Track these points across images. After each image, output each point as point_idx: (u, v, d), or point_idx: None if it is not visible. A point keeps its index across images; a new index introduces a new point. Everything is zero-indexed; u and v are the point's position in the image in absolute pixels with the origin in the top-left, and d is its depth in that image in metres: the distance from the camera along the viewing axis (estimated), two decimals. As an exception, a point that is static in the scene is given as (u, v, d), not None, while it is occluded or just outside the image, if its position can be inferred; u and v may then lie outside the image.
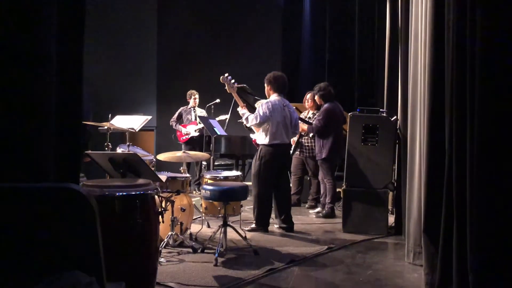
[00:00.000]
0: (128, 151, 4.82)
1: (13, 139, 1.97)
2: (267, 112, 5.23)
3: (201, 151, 7.63)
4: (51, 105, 2.16)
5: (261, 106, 5.28)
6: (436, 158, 3.30)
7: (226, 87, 5.32)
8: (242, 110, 5.41)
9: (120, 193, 2.66)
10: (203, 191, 4.43)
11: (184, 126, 8.11)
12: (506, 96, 2.28)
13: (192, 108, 8.18)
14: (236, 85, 5.36)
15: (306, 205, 6.90)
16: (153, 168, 5.08)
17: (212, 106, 8.01)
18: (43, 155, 2.09)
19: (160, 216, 2.90)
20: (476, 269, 2.47)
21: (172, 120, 8.26)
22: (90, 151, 3.80)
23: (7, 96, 1.95)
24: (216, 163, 8.59)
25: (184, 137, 8.06)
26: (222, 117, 7.84)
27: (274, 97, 5.41)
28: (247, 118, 5.30)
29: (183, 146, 8.05)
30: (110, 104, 8.65)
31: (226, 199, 4.36)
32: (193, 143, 8.04)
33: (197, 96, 8.16)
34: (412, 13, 4.29)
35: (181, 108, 8.28)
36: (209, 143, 6.90)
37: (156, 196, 4.44)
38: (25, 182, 1.98)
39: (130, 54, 9.70)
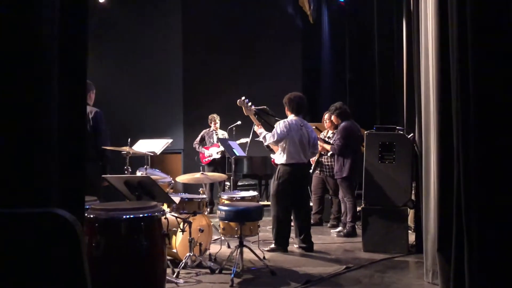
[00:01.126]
0: (146, 173, 4.84)
1: (13, 162, 1.98)
2: (284, 130, 5.20)
3: (224, 172, 7.63)
4: (53, 127, 2.17)
5: (278, 125, 5.27)
6: (447, 175, 3.19)
7: (244, 110, 5.32)
8: (259, 130, 5.40)
9: (126, 216, 2.66)
10: (219, 211, 4.41)
11: (207, 148, 8.15)
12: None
13: (214, 131, 8.22)
14: (253, 107, 5.36)
15: (328, 224, 6.76)
16: (171, 190, 5.11)
17: (234, 128, 8.04)
18: (44, 179, 2.10)
19: (166, 238, 2.88)
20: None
21: (195, 142, 8.32)
22: (107, 175, 3.84)
23: (5, 119, 1.97)
24: (239, 183, 8.58)
25: (206, 159, 8.10)
26: (243, 140, 7.83)
27: (291, 117, 5.40)
28: (264, 137, 5.29)
29: (206, 167, 8.07)
30: (138, 129, 8.80)
31: (241, 219, 4.33)
32: (215, 164, 8.05)
33: (217, 120, 8.21)
34: (422, 30, 4.21)
35: (204, 131, 8.33)
36: (232, 165, 6.87)
37: (172, 217, 4.45)
38: (26, 207, 2.00)
39: (157, 83, 9.86)
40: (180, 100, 10.13)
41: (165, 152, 10.08)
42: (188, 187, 8.52)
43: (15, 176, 2.03)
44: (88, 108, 4.74)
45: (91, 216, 2.69)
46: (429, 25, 3.89)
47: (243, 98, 5.29)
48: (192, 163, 8.90)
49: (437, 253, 3.40)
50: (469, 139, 2.58)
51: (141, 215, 2.72)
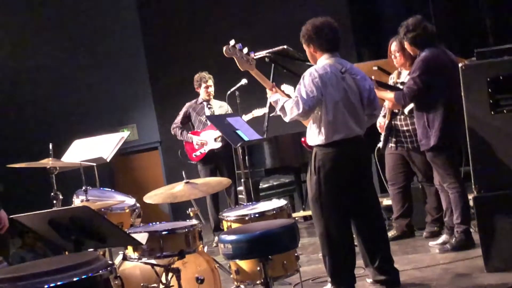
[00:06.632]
0: (86, 199, 4.92)
1: None
2: (314, 91, 5.13)
3: (232, 171, 7.67)
4: None
5: (302, 82, 5.20)
6: None
7: (237, 63, 5.30)
8: (272, 96, 5.35)
9: (48, 285, 2.69)
10: (222, 245, 4.44)
11: (196, 134, 8.21)
12: None
13: (205, 103, 8.29)
14: (253, 54, 5.34)
15: (424, 233, 6.77)
16: (138, 219, 5.18)
17: (237, 93, 8.00)
18: None
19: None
20: None
21: (174, 125, 8.40)
22: (15, 215, 3.89)
23: None
24: (263, 186, 8.63)
25: (197, 152, 8.13)
26: (258, 113, 7.82)
27: (322, 61, 5.34)
28: (282, 108, 5.24)
29: (199, 166, 8.13)
30: (75, 126, 9.02)
31: (261, 253, 4.34)
32: (215, 160, 8.16)
33: (210, 81, 8.25)
34: None
35: (188, 104, 8.42)
36: (245, 156, 6.89)
37: (146, 267, 4.51)
38: None
39: (95, 50, 10.19)
40: (143, 65, 10.32)
41: (131, 151, 10.41)
42: (181, 207, 8.62)
43: None
44: None
45: (-10, 293, 2.73)
46: None
47: (231, 42, 5.26)
48: (177, 161, 9.03)
49: None
50: None
51: (74, 279, 2.74)
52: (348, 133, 5.22)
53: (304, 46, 5.41)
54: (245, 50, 5.30)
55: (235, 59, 5.31)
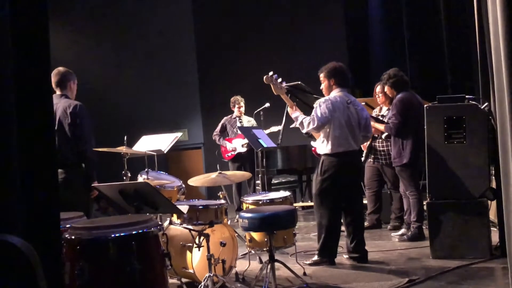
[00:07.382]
0: (147, 178, 4.95)
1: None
2: (327, 112, 5.15)
3: (253, 168, 7.68)
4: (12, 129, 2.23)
5: (319, 105, 5.22)
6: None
7: (272, 88, 5.31)
8: (294, 113, 5.37)
9: (114, 235, 2.73)
10: (240, 220, 4.46)
11: (229, 140, 8.23)
12: None
13: (237, 118, 8.32)
14: (284, 84, 5.34)
15: (388, 226, 6.74)
16: (182, 197, 5.19)
17: (261, 113, 8.05)
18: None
19: (167, 259, 2.94)
20: None
21: (215, 133, 8.43)
22: (97, 184, 3.94)
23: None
24: (274, 181, 8.64)
25: (229, 154, 8.18)
26: (274, 129, 7.83)
27: (334, 93, 5.35)
28: (301, 123, 5.26)
29: (230, 164, 8.15)
30: (143, 124, 9.06)
31: (268, 228, 4.35)
32: (241, 160, 8.16)
33: (242, 103, 8.29)
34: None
35: (225, 118, 8.44)
36: (263, 159, 6.93)
37: (185, 231, 4.54)
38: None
39: (165, 67, 10.24)
40: (195, 83, 10.37)
41: (182, 148, 10.48)
42: (214, 190, 8.67)
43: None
44: (66, 102, 4.81)
45: (72, 237, 2.77)
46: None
47: (270, 73, 5.26)
48: (215, 159, 9.07)
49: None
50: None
51: (133, 232, 2.78)
52: (348, 147, 5.25)
53: (324, 79, 5.42)
54: (279, 80, 5.31)
55: (271, 85, 5.31)
